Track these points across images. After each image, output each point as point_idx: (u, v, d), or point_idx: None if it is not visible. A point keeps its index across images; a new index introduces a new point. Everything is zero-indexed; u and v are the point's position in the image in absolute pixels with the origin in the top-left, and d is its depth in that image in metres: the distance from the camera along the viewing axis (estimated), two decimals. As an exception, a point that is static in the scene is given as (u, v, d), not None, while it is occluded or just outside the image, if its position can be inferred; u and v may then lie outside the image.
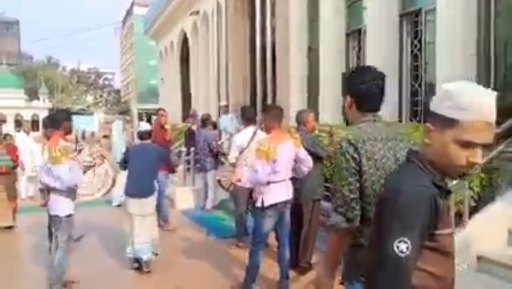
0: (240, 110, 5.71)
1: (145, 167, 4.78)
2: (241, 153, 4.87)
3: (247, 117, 5.13)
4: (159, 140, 6.28)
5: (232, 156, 4.95)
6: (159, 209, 5.43)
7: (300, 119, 4.76)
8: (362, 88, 1.80)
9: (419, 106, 6.36)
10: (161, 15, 18.97)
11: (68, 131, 4.11)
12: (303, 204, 4.44)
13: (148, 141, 5.14)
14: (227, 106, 10.37)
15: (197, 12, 14.84)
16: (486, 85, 5.25)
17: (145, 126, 5.33)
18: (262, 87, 10.36)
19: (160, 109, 7.55)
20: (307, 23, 8.91)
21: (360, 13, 7.55)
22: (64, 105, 53.39)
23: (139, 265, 4.70)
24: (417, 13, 6.38)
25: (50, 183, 3.89)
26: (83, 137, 46.46)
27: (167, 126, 6.88)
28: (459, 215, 3.66)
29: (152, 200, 4.74)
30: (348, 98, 1.84)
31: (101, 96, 66.63)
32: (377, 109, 1.87)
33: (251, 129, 5.00)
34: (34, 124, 44.41)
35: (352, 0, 7.80)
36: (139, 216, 4.63)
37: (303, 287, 4.14)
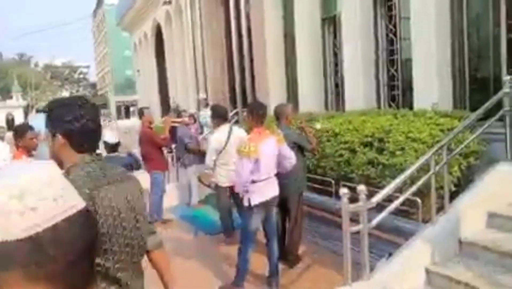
0: (210, 109, 5.66)
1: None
2: (219, 153, 4.84)
3: (218, 116, 5.09)
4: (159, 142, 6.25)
5: (209, 159, 4.92)
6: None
7: (279, 113, 4.75)
8: (76, 127, 1.49)
9: (396, 91, 6.42)
10: (133, 5, 18.50)
11: (31, 147, 3.92)
12: (290, 198, 4.45)
13: (115, 154, 5.00)
14: (206, 99, 10.24)
15: (169, 2, 14.52)
16: (461, 64, 5.36)
17: (109, 137, 5.04)
18: (241, 76, 10.27)
19: (142, 110, 7.34)
20: (281, 8, 8.83)
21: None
22: (39, 103, 52.16)
23: None
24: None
25: None
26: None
27: (152, 126, 6.81)
28: (440, 200, 3.73)
29: None
30: (59, 138, 1.50)
31: (77, 91, 65.27)
32: (97, 147, 1.62)
33: (225, 127, 4.97)
34: (10, 124, 43.30)
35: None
36: None
37: (293, 280, 4.20)
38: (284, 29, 8.87)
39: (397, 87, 6.40)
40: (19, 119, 46.28)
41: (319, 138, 5.10)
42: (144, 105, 13.14)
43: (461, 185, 4.01)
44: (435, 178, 3.63)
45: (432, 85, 5.32)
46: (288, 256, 4.48)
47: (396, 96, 6.41)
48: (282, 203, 4.31)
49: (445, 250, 3.53)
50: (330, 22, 7.73)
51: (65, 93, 63.64)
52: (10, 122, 43.40)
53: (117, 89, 54.65)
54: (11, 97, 46.55)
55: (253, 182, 3.78)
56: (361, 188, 3.20)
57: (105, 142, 4.93)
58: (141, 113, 6.73)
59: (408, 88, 5.91)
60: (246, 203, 3.84)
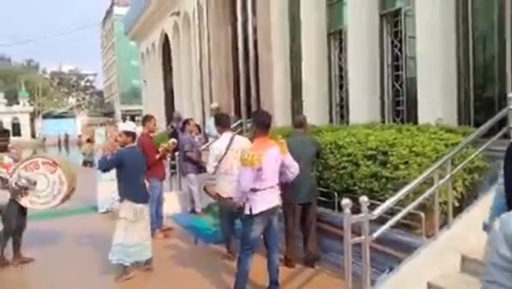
0: (214, 118, 5.71)
1: (142, 172, 4.93)
2: (220, 161, 4.85)
3: (222, 124, 5.13)
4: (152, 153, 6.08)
5: (210, 166, 4.93)
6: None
7: (299, 122, 5.19)
8: None
9: (400, 106, 6.43)
10: (141, 16, 18.74)
11: None
12: (312, 202, 4.86)
13: (134, 144, 5.09)
14: (218, 108, 10.07)
15: (177, 13, 14.71)
16: (466, 81, 5.38)
17: (130, 125, 5.24)
18: (246, 87, 10.33)
19: (148, 116, 7.31)
20: (288, 23, 8.92)
21: (341, 13, 7.58)
22: (45, 109, 52.56)
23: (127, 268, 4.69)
24: (397, 13, 6.44)
25: None
26: (66, 141, 45.71)
27: (154, 134, 6.76)
28: (443, 215, 3.71)
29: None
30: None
31: (83, 98, 65.75)
32: None
33: (227, 136, 4.99)
34: (16, 128, 43.61)
35: (334, 1, 7.83)
36: (135, 221, 4.68)
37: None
38: (290, 43, 8.94)
39: (401, 103, 6.42)
40: (25, 125, 46.64)
41: (322, 150, 5.22)
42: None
43: (465, 200, 3.98)
44: (439, 192, 3.62)
45: (436, 101, 5.34)
46: (309, 256, 4.79)
47: (401, 111, 6.42)
48: (300, 209, 4.77)
49: (448, 266, 3.49)
50: (336, 36, 7.79)
51: (72, 100, 64.12)
52: (15, 127, 43.72)
53: (123, 98, 55.04)
54: (18, 103, 46.96)
55: (256, 190, 3.78)
56: (363, 199, 3.19)
57: (126, 132, 4.99)
58: (145, 120, 6.70)
59: (412, 103, 5.92)
60: (247, 212, 3.83)
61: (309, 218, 4.83)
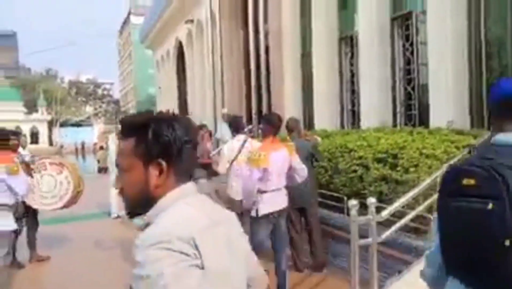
0: (227, 120, 5.73)
1: None
2: (231, 163, 4.85)
3: (234, 126, 5.15)
4: None
5: (222, 167, 4.93)
6: None
7: (292, 126, 4.90)
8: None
9: (412, 110, 6.35)
10: (156, 24, 19.04)
11: None
12: (308, 206, 4.72)
13: None
14: (229, 114, 10.16)
15: (191, 21, 14.89)
16: (478, 83, 5.30)
17: None
18: (257, 93, 10.36)
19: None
20: (300, 28, 8.93)
21: (352, 18, 7.57)
22: (63, 117, 53.58)
23: None
24: (408, 16, 6.39)
25: None
26: (83, 148, 46.42)
27: None
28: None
29: None
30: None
31: (100, 106, 66.72)
32: None
33: (240, 138, 5.00)
34: (34, 137, 44.51)
35: (344, 6, 7.83)
36: None
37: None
38: (302, 48, 8.95)
39: (413, 107, 6.34)
40: (43, 133, 47.57)
41: (332, 154, 5.19)
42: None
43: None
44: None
45: (448, 105, 5.26)
46: (315, 260, 4.71)
47: (413, 115, 6.34)
48: (301, 212, 4.73)
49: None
50: (348, 41, 7.77)
51: (89, 109, 65.16)
52: (34, 135, 44.62)
53: (139, 106, 55.73)
54: (36, 111, 47.95)
55: (262, 192, 3.76)
56: (371, 200, 3.15)
57: None
58: None
59: (424, 107, 5.84)
60: (253, 213, 3.81)
61: (310, 222, 4.76)
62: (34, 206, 5.42)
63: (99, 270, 5.18)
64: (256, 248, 3.85)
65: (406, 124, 6.39)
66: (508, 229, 1.07)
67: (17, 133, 5.64)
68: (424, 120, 5.84)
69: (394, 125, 6.41)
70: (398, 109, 6.58)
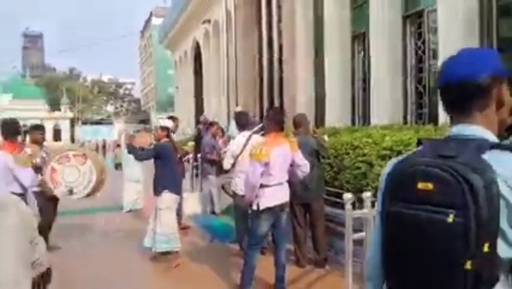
0: (234, 116, 5.80)
1: (175, 166, 5.25)
2: (236, 159, 4.89)
3: (240, 123, 5.20)
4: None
5: (226, 163, 4.99)
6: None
7: (298, 122, 4.92)
8: None
9: (423, 109, 6.28)
10: (174, 25, 19.29)
11: None
12: (311, 203, 4.71)
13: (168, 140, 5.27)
14: None
15: (208, 21, 15.05)
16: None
17: (166, 122, 5.53)
18: (269, 92, 10.40)
19: (171, 117, 7.55)
20: (312, 27, 8.93)
21: (365, 16, 7.52)
22: (85, 115, 54.73)
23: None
24: (420, 14, 6.32)
25: None
26: (104, 146, 47.51)
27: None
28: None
29: None
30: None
31: (121, 106, 67.87)
32: None
33: (245, 134, 5.03)
34: (56, 134, 45.62)
35: (357, 3, 7.79)
36: (169, 210, 4.95)
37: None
38: (315, 47, 8.94)
39: (424, 105, 6.27)
40: (65, 130, 48.72)
41: (338, 151, 5.19)
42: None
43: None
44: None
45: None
46: (317, 259, 4.70)
47: (424, 114, 6.27)
48: (306, 207, 4.74)
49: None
50: (360, 39, 7.73)
51: (110, 108, 66.38)
52: (56, 132, 45.76)
53: (158, 106, 56.46)
54: (59, 109, 49.14)
55: (263, 186, 3.79)
56: (367, 194, 3.15)
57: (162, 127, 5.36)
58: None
59: (434, 105, 5.77)
60: (254, 207, 3.84)
61: (313, 217, 4.77)
62: (60, 195, 5.57)
63: (106, 259, 5.31)
64: (257, 241, 3.90)
65: (416, 122, 6.32)
66: (470, 248, 0.86)
67: (41, 127, 5.82)
68: (434, 118, 5.77)
69: (405, 123, 6.35)
70: (409, 108, 6.51)
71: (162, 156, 5.03)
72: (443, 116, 5.34)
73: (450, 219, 0.88)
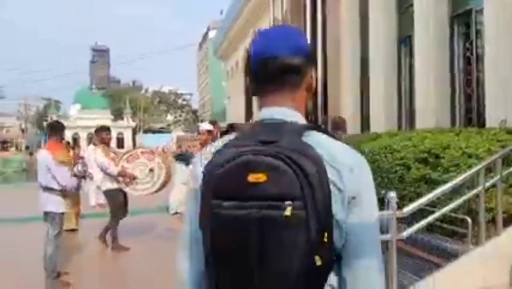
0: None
1: None
2: None
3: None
4: None
5: None
6: None
7: (339, 124, 4.97)
8: None
9: (472, 113, 5.94)
10: (227, 35, 19.79)
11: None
12: None
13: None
14: None
15: (258, 30, 15.30)
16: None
17: (207, 125, 5.70)
18: (314, 98, 10.32)
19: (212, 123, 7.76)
20: (359, 31, 8.79)
21: (412, 18, 7.29)
22: (146, 124, 57.46)
23: None
24: (468, 13, 6.03)
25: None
26: (163, 151, 49.39)
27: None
28: (492, 223, 3.37)
29: None
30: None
31: (180, 115, 70.42)
32: None
33: None
34: (119, 141, 48.26)
35: (404, 6, 7.57)
36: None
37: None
38: (361, 52, 8.79)
39: (473, 108, 5.93)
40: (128, 139, 51.41)
41: (376, 155, 5.07)
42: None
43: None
44: (488, 196, 3.30)
45: (507, 104, 4.86)
46: None
47: (472, 117, 5.94)
48: None
49: (494, 276, 3.15)
50: (407, 43, 7.49)
51: (170, 118, 69.12)
52: (119, 140, 48.39)
53: (213, 116, 57.90)
54: (122, 119, 52.03)
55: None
56: (391, 195, 3.04)
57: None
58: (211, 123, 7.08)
59: (483, 108, 5.45)
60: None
61: None
62: (132, 192, 5.81)
63: (152, 259, 5.53)
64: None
65: (465, 126, 6.00)
66: (313, 242, 0.76)
67: (107, 128, 6.19)
68: (481, 121, 5.45)
69: (453, 126, 6.05)
70: (457, 111, 6.20)
71: None
72: (490, 118, 5.04)
73: (287, 212, 0.75)
